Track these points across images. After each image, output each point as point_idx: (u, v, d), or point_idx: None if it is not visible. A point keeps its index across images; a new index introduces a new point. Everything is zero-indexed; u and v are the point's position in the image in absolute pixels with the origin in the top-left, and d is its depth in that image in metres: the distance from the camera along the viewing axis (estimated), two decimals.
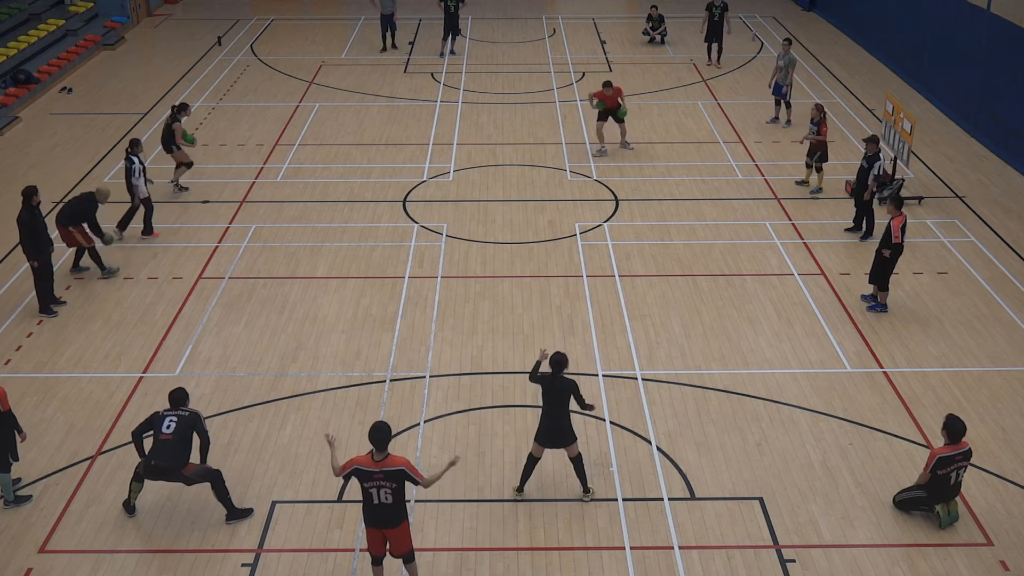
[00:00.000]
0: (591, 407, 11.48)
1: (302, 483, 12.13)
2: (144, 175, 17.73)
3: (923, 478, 11.32)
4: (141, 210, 17.98)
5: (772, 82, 23.05)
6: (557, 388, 11.31)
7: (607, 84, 21.07)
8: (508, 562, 10.98)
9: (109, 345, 14.95)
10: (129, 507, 11.60)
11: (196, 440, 11.42)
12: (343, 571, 10.88)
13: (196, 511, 11.66)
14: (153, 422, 11.28)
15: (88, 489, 12.03)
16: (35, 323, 15.48)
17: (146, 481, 11.46)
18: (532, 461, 11.69)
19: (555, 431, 11.44)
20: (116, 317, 15.65)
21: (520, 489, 11.84)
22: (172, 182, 19.83)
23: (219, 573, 10.83)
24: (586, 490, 11.81)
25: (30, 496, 11.88)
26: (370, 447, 9.93)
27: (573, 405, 11.45)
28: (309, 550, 11.12)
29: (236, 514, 11.50)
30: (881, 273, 15.45)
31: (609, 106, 21.18)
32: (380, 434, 9.84)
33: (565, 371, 11.39)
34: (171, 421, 11.20)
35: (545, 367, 11.52)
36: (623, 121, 21.47)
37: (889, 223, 15.19)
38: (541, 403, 11.48)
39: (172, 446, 11.12)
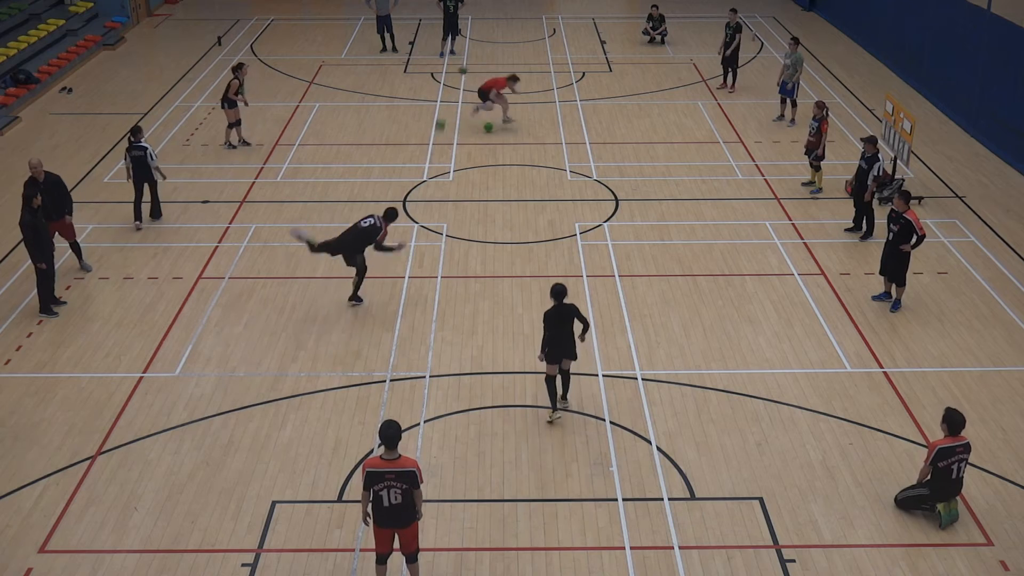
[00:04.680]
0: (588, 324, 13.05)
1: (302, 483, 12.13)
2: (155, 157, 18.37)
3: (924, 472, 11.31)
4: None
5: (780, 80, 23.06)
6: (564, 314, 12.82)
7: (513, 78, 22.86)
8: (508, 562, 10.98)
9: (109, 345, 14.95)
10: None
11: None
12: (343, 571, 10.88)
13: (196, 511, 11.67)
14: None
15: (88, 489, 12.03)
16: (35, 323, 15.47)
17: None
18: (552, 380, 13.13)
19: (567, 346, 12.94)
20: (116, 317, 15.65)
21: (555, 409, 13.17)
22: (226, 143, 21.95)
23: (219, 573, 10.83)
24: (564, 397, 13.35)
25: None
26: (374, 450, 9.91)
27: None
28: (309, 550, 11.12)
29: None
30: (901, 269, 15.44)
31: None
32: (391, 431, 9.83)
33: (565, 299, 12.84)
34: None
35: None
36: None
37: (904, 218, 15.14)
38: (550, 331, 12.80)
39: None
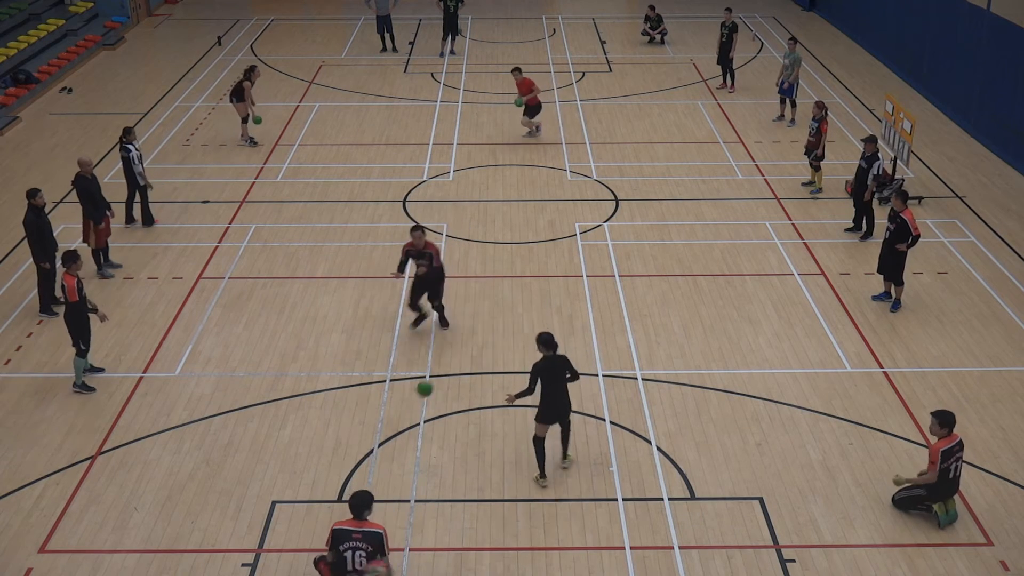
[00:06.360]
0: (578, 377, 11.97)
1: (302, 483, 12.13)
2: (141, 162, 18.08)
3: (932, 477, 11.26)
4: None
5: (779, 80, 23.06)
6: (558, 365, 11.72)
7: (516, 70, 22.46)
8: (508, 562, 10.98)
9: (109, 345, 14.94)
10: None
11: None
12: None
13: (196, 511, 11.67)
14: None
15: (88, 489, 12.03)
16: (35, 323, 15.47)
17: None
18: (541, 443, 11.90)
19: (564, 405, 11.84)
20: (116, 317, 15.63)
21: (544, 475, 11.99)
22: (242, 137, 22.17)
23: (219, 573, 10.83)
24: (565, 456, 12.24)
25: (102, 368, 14.05)
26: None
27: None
28: (309, 550, 11.11)
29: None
30: (898, 269, 15.45)
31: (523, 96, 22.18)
32: (362, 500, 9.66)
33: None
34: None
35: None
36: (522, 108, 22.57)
37: (900, 217, 15.16)
38: (542, 387, 11.68)
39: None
